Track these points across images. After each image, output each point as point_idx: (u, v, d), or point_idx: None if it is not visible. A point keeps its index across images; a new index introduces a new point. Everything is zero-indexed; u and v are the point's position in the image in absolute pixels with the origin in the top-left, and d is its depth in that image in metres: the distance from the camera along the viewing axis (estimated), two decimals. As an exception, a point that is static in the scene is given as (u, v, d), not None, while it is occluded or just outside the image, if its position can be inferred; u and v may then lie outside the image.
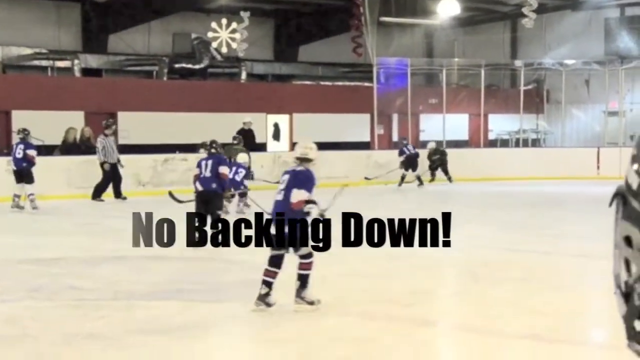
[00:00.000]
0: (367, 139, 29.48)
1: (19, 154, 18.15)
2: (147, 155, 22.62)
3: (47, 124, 21.38)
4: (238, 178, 17.11)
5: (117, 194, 20.21)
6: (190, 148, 24.18)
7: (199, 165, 13.08)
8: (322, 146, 22.42)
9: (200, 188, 12.93)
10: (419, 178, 24.43)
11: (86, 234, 14.51)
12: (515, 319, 7.97)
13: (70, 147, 22.02)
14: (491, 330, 7.56)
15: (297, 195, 8.18)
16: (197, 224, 12.36)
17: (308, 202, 8.26)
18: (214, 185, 12.84)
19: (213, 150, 13.27)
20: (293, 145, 27.47)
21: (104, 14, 28.48)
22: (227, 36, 24.59)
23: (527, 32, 29.93)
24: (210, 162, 12.96)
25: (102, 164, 19.99)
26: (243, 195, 17.20)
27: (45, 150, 21.18)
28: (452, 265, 11.28)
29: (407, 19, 29.50)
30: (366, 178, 24.25)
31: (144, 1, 27.76)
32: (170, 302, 8.63)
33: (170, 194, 14.54)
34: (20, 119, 23.27)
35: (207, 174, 12.85)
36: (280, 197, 8.41)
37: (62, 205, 18.51)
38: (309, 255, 8.40)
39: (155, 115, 25.90)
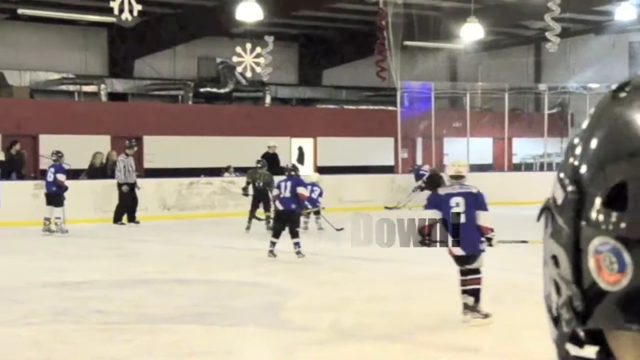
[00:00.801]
0: (391, 162, 29.51)
1: (50, 177, 18.38)
2: (172, 179, 22.77)
3: (74, 148, 21.58)
4: (314, 196, 18.37)
5: (132, 218, 20.27)
6: (215, 172, 24.33)
7: (278, 187, 14.25)
8: (346, 170, 22.65)
9: (280, 207, 14.03)
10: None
11: (112, 257, 14.62)
12: (541, 343, 7.95)
13: (97, 171, 22.22)
14: (517, 353, 7.56)
15: (485, 219, 8.72)
16: (272, 239, 13.88)
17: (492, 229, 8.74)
18: (293, 206, 13.99)
19: (293, 173, 14.59)
20: (318, 169, 27.57)
21: (130, 39, 28.78)
22: (251, 60, 24.74)
23: (551, 55, 29.93)
24: (289, 183, 14.10)
25: (120, 186, 20.13)
26: (318, 212, 18.70)
27: (72, 174, 21.38)
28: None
29: (431, 42, 29.58)
30: (386, 207, 24.34)
31: (169, 26, 28.03)
32: (193, 326, 8.69)
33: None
34: (47, 143, 23.52)
35: (287, 194, 13.97)
36: (463, 219, 8.62)
37: (88, 228, 18.68)
38: (479, 270, 8.72)
39: (180, 139, 26.09)
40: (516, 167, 31.73)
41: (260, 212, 18.88)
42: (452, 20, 27.37)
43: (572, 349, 0.92)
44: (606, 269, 0.84)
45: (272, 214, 17.18)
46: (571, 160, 0.91)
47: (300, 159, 29.11)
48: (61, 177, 18.33)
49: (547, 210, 0.93)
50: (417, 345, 7.98)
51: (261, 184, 18.65)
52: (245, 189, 19.17)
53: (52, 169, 18.44)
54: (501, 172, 30.07)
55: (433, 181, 24.71)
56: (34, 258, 14.41)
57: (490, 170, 31.22)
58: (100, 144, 23.67)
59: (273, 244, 13.86)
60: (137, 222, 20.07)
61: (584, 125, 0.93)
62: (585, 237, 0.86)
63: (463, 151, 29.58)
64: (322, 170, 27.59)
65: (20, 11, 22.49)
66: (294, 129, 28.61)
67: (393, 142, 29.35)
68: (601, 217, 0.85)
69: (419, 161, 29.82)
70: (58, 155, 18.68)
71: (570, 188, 0.88)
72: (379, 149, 29.55)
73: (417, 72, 30.98)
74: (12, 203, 19.91)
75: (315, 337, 8.22)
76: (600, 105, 0.91)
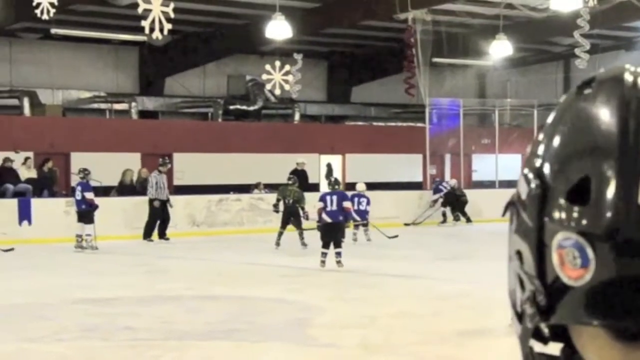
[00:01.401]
0: (419, 179, 29.45)
1: (78, 195, 18.55)
2: (202, 195, 22.87)
3: (104, 166, 21.77)
4: (362, 207, 19.38)
5: (162, 234, 20.36)
6: (245, 188, 24.40)
7: (323, 200, 15.19)
8: (374, 186, 22.62)
9: (328, 220, 14.97)
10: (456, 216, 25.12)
11: (141, 274, 14.70)
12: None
13: (127, 188, 22.37)
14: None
15: None
16: (323, 250, 14.81)
17: None
18: (340, 218, 15.10)
19: (338, 187, 15.71)
20: (346, 185, 27.60)
21: (160, 58, 28.99)
22: (280, 78, 24.80)
23: (580, 72, 29.74)
24: (335, 197, 15.17)
25: (151, 201, 20.24)
26: (366, 224, 19.64)
27: (103, 191, 21.54)
28: (502, 305, 11.20)
29: (460, 59, 29.55)
30: (405, 224, 24.44)
31: (199, 44, 28.21)
32: (222, 342, 8.71)
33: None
34: (79, 160, 23.70)
35: (334, 207, 15.01)
36: None
37: (118, 245, 18.80)
38: None
39: (209, 156, 26.20)
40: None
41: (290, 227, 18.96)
42: (481, 37, 27.33)
43: (536, 346, 0.93)
44: (569, 264, 0.84)
45: (304, 229, 18.12)
46: (535, 155, 0.91)
47: (329, 175, 29.11)
48: (89, 195, 18.49)
49: (512, 205, 0.93)
50: (444, 362, 7.95)
51: (291, 201, 18.76)
52: (276, 206, 19.33)
53: (79, 187, 18.62)
54: (530, 188, 29.92)
55: (450, 199, 25.11)
56: (64, 275, 14.51)
57: (519, 186, 31.05)
58: (130, 162, 23.83)
59: (324, 254, 14.79)
60: (167, 239, 20.17)
61: (549, 120, 0.93)
62: (548, 232, 0.86)
63: (492, 168, 29.48)
64: (350, 186, 27.61)
65: (53, 31, 22.71)
66: (322, 145, 28.65)
67: (421, 159, 29.30)
68: (564, 213, 0.85)
69: (447, 177, 29.75)
70: (85, 172, 18.85)
71: (533, 183, 0.88)
72: (407, 166, 29.52)
73: (446, 88, 30.94)
74: (44, 220, 20.09)
75: (342, 353, 8.21)
76: (564, 102, 0.92)
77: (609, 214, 0.83)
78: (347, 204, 15.37)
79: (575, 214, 0.85)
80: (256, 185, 24.82)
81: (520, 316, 0.91)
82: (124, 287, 12.87)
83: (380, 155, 28.88)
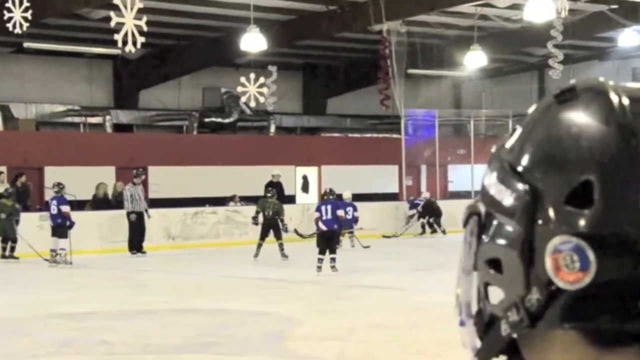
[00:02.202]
0: (395, 190, 29.51)
1: (54, 209, 18.45)
2: (177, 208, 22.80)
3: (79, 180, 21.65)
4: (349, 216, 20.24)
5: (138, 247, 20.25)
6: (220, 201, 24.35)
7: (319, 210, 16.49)
8: (352, 198, 22.57)
9: (324, 228, 16.25)
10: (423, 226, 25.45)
11: (117, 287, 14.63)
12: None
13: (101, 202, 22.27)
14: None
15: None
16: (319, 256, 15.89)
17: None
18: (335, 226, 16.40)
19: (332, 197, 16.88)
20: (322, 197, 27.62)
21: (134, 71, 28.91)
22: (255, 90, 24.79)
23: (555, 82, 29.95)
24: (329, 206, 16.41)
25: (128, 215, 20.16)
26: (352, 232, 20.80)
27: (78, 205, 21.42)
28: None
29: (435, 70, 29.68)
30: (384, 236, 24.60)
31: (174, 57, 28.17)
32: (199, 356, 8.69)
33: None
34: (53, 174, 23.56)
35: (329, 216, 16.26)
36: None
37: (93, 259, 18.70)
38: None
39: (185, 169, 26.14)
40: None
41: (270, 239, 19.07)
42: (456, 48, 27.48)
43: None
44: (565, 268, 0.84)
45: (283, 241, 18.72)
46: (516, 161, 0.91)
47: (305, 187, 29.15)
48: (65, 208, 18.42)
49: (475, 215, 0.93)
50: (422, 372, 7.97)
51: (271, 213, 18.94)
52: (255, 218, 19.44)
53: (55, 202, 18.54)
54: (506, 198, 30.07)
55: (428, 209, 25.35)
56: (39, 290, 14.41)
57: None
58: (105, 175, 23.73)
59: (320, 260, 15.93)
60: (144, 252, 20.09)
61: (524, 127, 0.94)
62: (541, 237, 0.86)
63: (467, 178, 29.61)
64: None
65: (25, 44, 22.62)
66: (298, 157, 28.66)
67: (397, 170, 29.38)
68: (562, 216, 0.85)
69: (423, 188, 29.84)
70: (60, 187, 18.77)
71: (523, 187, 0.88)
72: (383, 177, 29.59)
73: (421, 99, 31.06)
74: (18, 235, 19.93)
75: (320, 365, 8.21)
76: (542, 109, 0.93)
77: (614, 216, 0.84)
78: (340, 213, 16.81)
79: (575, 218, 0.85)
80: (232, 198, 24.78)
81: (487, 326, 0.91)
82: (99, 301, 12.81)
83: (356, 167, 28.93)
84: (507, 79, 35.32)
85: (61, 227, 18.24)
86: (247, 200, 24.89)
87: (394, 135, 29.97)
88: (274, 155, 27.48)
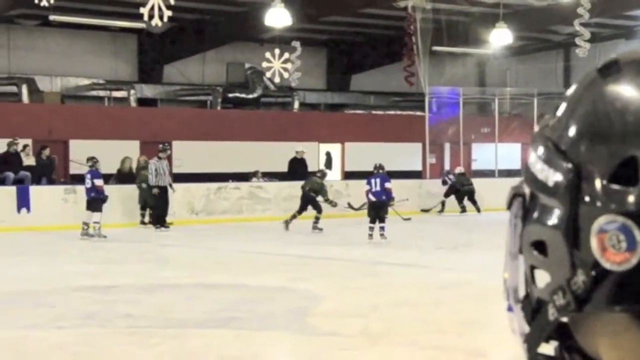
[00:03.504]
0: (418, 168, 29.38)
1: (88, 183, 18.50)
2: (200, 183, 22.78)
3: (103, 153, 21.60)
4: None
5: (162, 222, 20.22)
6: (243, 177, 24.32)
7: (369, 183, 17.88)
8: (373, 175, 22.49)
9: (373, 199, 17.71)
10: (442, 203, 25.12)
11: (141, 261, 14.63)
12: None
13: (125, 176, 22.27)
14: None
15: None
16: (370, 225, 17.47)
17: None
18: (383, 197, 17.72)
19: (381, 171, 18.14)
20: (345, 174, 27.51)
21: (159, 45, 28.87)
22: (280, 66, 24.71)
23: (581, 60, 29.68)
24: (378, 179, 17.81)
25: (151, 189, 20.14)
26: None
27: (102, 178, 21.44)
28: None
29: (459, 48, 29.45)
30: (423, 210, 24.53)
31: (198, 32, 28.09)
32: (221, 331, 8.65)
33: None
34: (77, 148, 23.63)
35: (377, 188, 17.68)
36: None
37: (117, 233, 18.71)
38: None
39: (208, 144, 26.12)
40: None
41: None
42: (481, 25, 27.22)
43: (548, 349, 0.91)
44: (612, 249, 0.81)
45: (319, 217, 19.56)
46: (559, 139, 0.88)
47: (328, 164, 29.05)
48: (99, 182, 18.50)
49: (519, 196, 0.91)
50: (445, 351, 7.89)
51: (307, 188, 19.83)
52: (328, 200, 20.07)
53: (89, 175, 18.59)
54: (530, 177, 29.89)
55: (451, 190, 25.25)
56: (64, 262, 14.45)
57: (518, 175, 30.93)
58: (129, 149, 23.75)
59: (371, 228, 17.45)
60: (167, 227, 20.08)
61: (567, 104, 0.90)
62: (586, 217, 0.83)
63: (491, 157, 29.42)
64: (349, 175, 27.54)
65: (51, 17, 22.59)
66: (321, 134, 28.57)
67: (421, 148, 29.23)
68: (607, 194, 0.82)
69: (447, 166, 29.69)
70: (93, 161, 18.82)
71: (566, 166, 0.85)
72: (407, 154, 29.45)
73: (446, 77, 30.84)
74: (42, 208, 20.01)
75: (343, 342, 8.15)
76: (585, 85, 0.90)
77: None
78: (388, 185, 17.84)
79: (620, 195, 0.81)
80: (254, 174, 24.74)
81: (535, 312, 0.88)
82: (123, 274, 12.81)
83: (379, 144, 28.80)
84: (533, 57, 35.01)
85: (95, 201, 18.28)
86: (270, 176, 24.85)
87: (418, 113, 29.80)
88: (297, 132, 27.41)
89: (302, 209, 19.86)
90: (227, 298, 10.71)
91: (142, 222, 20.86)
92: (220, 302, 10.39)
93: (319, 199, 19.73)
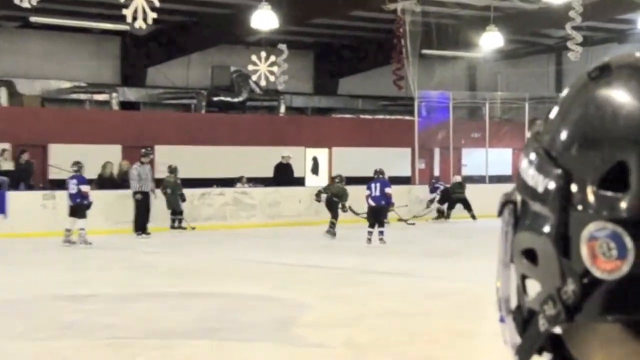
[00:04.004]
0: (407, 173, 29.36)
1: (73, 189, 18.35)
2: (184, 189, 22.66)
3: (84, 158, 21.48)
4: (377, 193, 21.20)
5: (143, 228, 20.09)
6: (228, 182, 24.23)
7: (369, 187, 18.31)
8: (362, 181, 22.50)
9: (372, 204, 18.17)
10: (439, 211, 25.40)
11: (122, 269, 14.54)
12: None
13: (107, 182, 22.16)
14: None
15: None
16: (369, 229, 17.93)
17: None
18: (382, 202, 18.17)
19: (382, 176, 18.63)
20: (332, 179, 27.47)
21: (142, 47, 28.76)
22: (266, 69, 24.66)
23: (573, 64, 29.71)
24: (378, 184, 18.25)
25: (134, 194, 20.04)
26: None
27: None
28: (495, 304, 11.10)
29: (450, 51, 29.45)
30: (409, 223, 24.50)
31: (183, 34, 28.00)
32: (204, 341, 8.57)
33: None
34: (57, 152, 23.50)
35: (377, 193, 18.11)
36: None
37: (98, 240, 18.59)
38: None
39: (192, 148, 26.02)
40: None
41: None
42: (471, 28, 27.23)
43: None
44: (602, 256, 0.80)
45: (334, 222, 20.11)
46: (550, 144, 0.86)
47: (315, 169, 29.01)
48: (85, 187, 18.38)
49: (510, 203, 0.90)
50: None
51: (329, 194, 20.58)
52: (318, 195, 21.07)
53: (74, 181, 18.44)
54: (521, 183, 29.94)
55: (445, 197, 25.31)
56: (41, 270, 14.33)
57: (509, 181, 31.00)
58: (111, 154, 23.63)
59: (370, 233, 17.92)
60: (149, 234, 19.98)
61: (559, 109, 0.89)
62: (576, 223, 0.82)
63: (482, 162, 29.45)
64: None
65: (32, 19, 22.46)
66: (308, 138, 28.52)
67: (410, 153, 29.21)
68: (597, 201, 0.81)
69: (436, 172, 29.69)
70: (78, 165, 18.70)
71: (556, 172, 0.84)
72: (395, 160, 29.41)
73: (435, 81, 30.86)
74: (20, 214, 19.87)
75: (328, 353, 8.09)
76: (576, 89, 0.89)
77: None
78: (387, 190, 18.31)
79: (611, 202, 0.80)
80: (239, 179, 24.67)
81: (526, 323, 0.87)
82: (103, 283, 12.71)
83: (367, 149, 28.77)
84: (524, 61, 35.06)
85: (80, 207, 18.16)
86: (255, 181, 24.78)
87: (407, 117, 29.80)
88: (283, 136, 27.36)
89: (335, 213, 20.28)
90: (210, 307, 10.64)
91: (173, 227, 21.43)
92: (205, 311, 10.32)
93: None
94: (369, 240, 17.85)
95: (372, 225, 18.10)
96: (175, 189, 21.43)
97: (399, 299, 10.97)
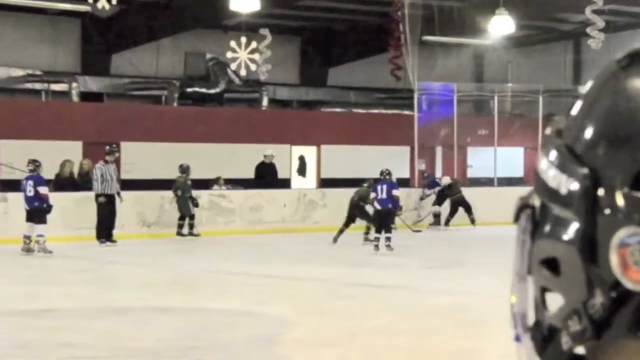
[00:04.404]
0: (406, 175, 29.47)
1: (30, 191, 18.33)
2: (154, 191, 22.77)
3: (40, 156, 21.59)
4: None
5: (108, 235, 20.16)
6: (203, 184, 24.33)
7: (374, 190, 19.17)
8: (354, 183, 22.64)
9: (378, 207, 18.91)
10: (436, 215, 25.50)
11: (82, 282, 14.61)
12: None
13: (66, 182, 22.23)
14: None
15: None
16: (375, 235, 18.81)
17: None
18: (389, 205, 18.88)
19: (388, 177, 19.39)
20: (321, 181, 27.57)
21: (106, 32, 28.80)
22: (246, 57, 24.79)
23: (593, 53, 29.92)
24: (385, 186, 18.99)
25: (97, 197, 20.08)
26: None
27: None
28: (500, 321, 11.21)
29: (454, 38, 29.62)
30: (414, 230, 24.62)
31: (152, 17, 28.07)
32: (176, 362, 8.69)
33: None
34: (9, 149, 23.55)
35: (383, 195, 18.85)
36: None
37: (56, 248, 18.65)
38: None
39: (163, 146, 26.10)
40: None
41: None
42: (479, 12, 27.40)
43: None
44: (635, 266, 0.81)
45: (370, 225, 20.47)
46: (574, 141, 0.88)
47: (302, 170, 29.13)
48: (43, 190, 18.37)
49: (528, 208, 0.90)
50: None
51: (356, 198, 20.92)
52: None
53: (31, 182, 18.41)
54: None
55: (442, 196, 25.41)
56: (-7, 282, 14.40)
57: (520, 184, 31.19)
58: (70, 151, 23.69)
59: (377, 239, 18.66)
60: (114, 242, 20.06)
61: (583, 102, 0.91)
62: (605, 229, 0.82)
63: (489, 162, 29.60)
64: (326, 183, 27.63)
65: (-20, -2, 22.56)
66: (294, 135, 28.63)
67: (409, 152, 29.35)
68: (628, 203, 0.82)
69: (438, 174, 29.83)
70: (35, 164, 18.69)
71: (581, 171, 0.85)
72: (392, 160, 29.50)
73: (438, 71, 30.98)
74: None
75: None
76: (602, 79, 0.91)
77: None
78: (395, 192, 19.07)
79: None
80: (216, 181, 24.77)
81: (546, 340, 0.88)
82: (62, 297, 12.79)
83: (361, 147, 28.91)
84: (538, 49, 35.24)
85: (38, 211, 18.19)
86: (234, 183, 24.89)
87: (406, 112, 29.93)
88: (266, 133, 27.46)
89: (351, 221, 20.72)
90: (183, 324, 10.74)
91: (180, 233, 21.88)
92: (176, 329, 10.42)
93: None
94: (376, 247, 18.47)
95: (378, 231, 18.80)
96: (185, 190, 22.05)
97: (394, 315, 11.10)
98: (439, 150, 31.28)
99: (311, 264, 16.83)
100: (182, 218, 22.11)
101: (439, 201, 25.61)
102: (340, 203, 22.29)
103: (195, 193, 22.97)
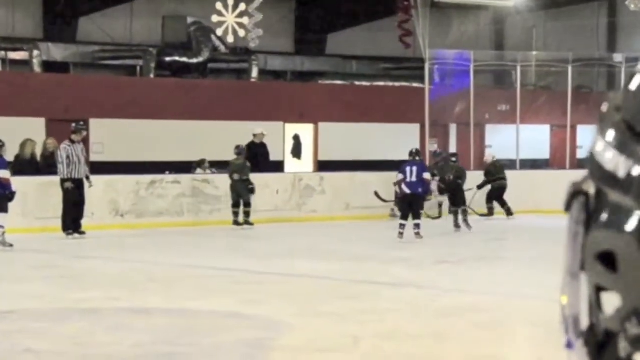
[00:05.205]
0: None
1: None
2: (128, 176, 22.78)
3: (-3, 135, 21.64)
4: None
5: (76, 226, 20.15)
6: (185, 167, 24.36)
7: (403, 172, 19.28)
8: (357, 166, 22.65)
9: (407, 191, 19.23)
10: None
11: (46, 279, 14.63)
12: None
13: (27, 165, 22.23)
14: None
15: None
16: (401, 222, 19.12)
17: None
18: (420, 189, 19.29)
19: (418, 158, 19.72)
20: (318, 164, 27.56)
21: (73, -8, 28.80)
22: (234, 21, 24.79)
23: (631, 16, 29.93)
24: (415, 168, 19.23)
25: (62, 182, 20.06)
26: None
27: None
28: (525, 323, 11.29)
29: (471, 0, 29.64)
30: (430, 217, 24.55)
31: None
32: (155, 370, 8.73)
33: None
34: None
35: (414, 179, 19.09)
36: None
37: (16, 240, 18.68)
38: None
39: (138, 123, 26.12)
40: (581, 164, 31.73)
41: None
42: (499, -31, 27.37)
43: None
44: None
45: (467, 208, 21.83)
46: (633, 119, 0.88)
47: (297, 151, 29.14)
48: (5, 173, 18.35)
49: (581, 195, 0.90)
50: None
51: (452, 177, 21.99)
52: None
53: None
54: (561, 169, 30.13)
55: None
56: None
57: (546, 167, 31.25)
58: (31, 129, 23.69)
59: (402, 226, 18.96)
60: (83, 233, 20.08)
61: None
62: None
63: (511, 142, 29.60)
64: (324, 165, 27.64)
65: None
66: (288, 111, 28.64)
67: (419, 130, 29.37)
68: None
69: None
70: None
71: None
72: (400, 139, 29.57)
73: (453, 38, 31.01)
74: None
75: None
76: None
77: None
78: (426, 175, 19.59)
79: None
80: (199, 163, 24.80)
81: (599, 347, 0.88)
82: (25, 296, 12.81)
83: (364, 125, 28.93)
84: (567, 11, 35.23)
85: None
86: (220, 166, 24.90)
87: (415, 85, 29.95)
88: (256, 108, 27.48)
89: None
90: (163, 327, 10.77)
91: (236, 222, 22.22)
92: (155, 332, 10.44)
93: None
94: (401, 234, 18.86)
95: (404, 217, 19.14)
96: (243, 173, 22.43)
97: (404, 317, 11.14)
98: (453, 128, 31.30)
99: (308, 258, 16.85)
100: (236, 205, 22.33)
101: (481, 186, 24.85)
102: (340, 188, 22.35)
103: (175, 177, 23.01)
